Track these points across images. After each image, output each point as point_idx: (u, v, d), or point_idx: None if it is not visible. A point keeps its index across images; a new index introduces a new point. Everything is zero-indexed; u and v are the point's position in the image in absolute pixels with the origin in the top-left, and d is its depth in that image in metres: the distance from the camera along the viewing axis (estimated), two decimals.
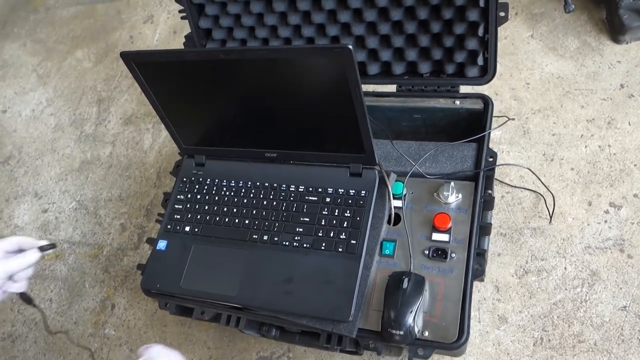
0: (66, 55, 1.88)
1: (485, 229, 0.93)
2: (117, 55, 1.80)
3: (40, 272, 1.44)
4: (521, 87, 1.29)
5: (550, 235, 1.11)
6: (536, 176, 1.14)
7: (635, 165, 1.14)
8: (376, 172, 0.96)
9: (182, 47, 1.20)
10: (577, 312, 1.03)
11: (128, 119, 1.63)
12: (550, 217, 1.11)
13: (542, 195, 1.14)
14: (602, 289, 1.04)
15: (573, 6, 1.22)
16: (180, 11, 1.13)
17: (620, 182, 1.13)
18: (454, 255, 0.89)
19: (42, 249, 0.87)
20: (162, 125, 1.57)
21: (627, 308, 1.01)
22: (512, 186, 1.17)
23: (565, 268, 1.08)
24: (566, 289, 1.06)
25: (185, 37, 1.17)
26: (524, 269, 1.10)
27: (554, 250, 1.10)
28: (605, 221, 1.10)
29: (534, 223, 1.13)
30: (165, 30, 1.78)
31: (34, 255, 0.85)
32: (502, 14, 0.93)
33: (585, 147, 1.18)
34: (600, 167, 1.15)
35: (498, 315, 1.07)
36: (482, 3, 0.93)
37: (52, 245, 0.89)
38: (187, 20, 1.13)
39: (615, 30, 1.27)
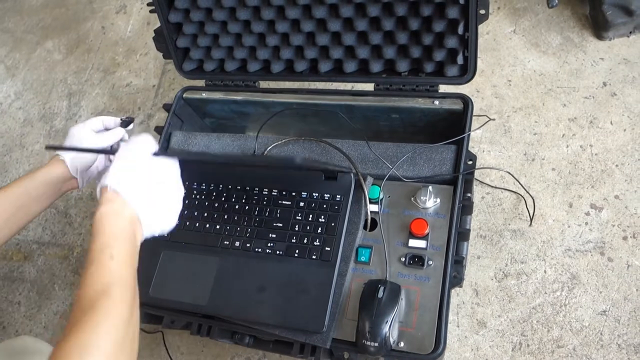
0: (35, 46, 1.81)
1: (463, 235, 0.90)
2: (88, 47, 1.73)
3: (8, 274, 1.39)
4: (503, 84, 1.26)
5: (530, 237, 1.09)
6: (516, 179, 1.11)
7: (616, 165, 1.12)
8: (352, 175, 0.92)
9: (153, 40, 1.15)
10: (556, 316, 1.02)
11: (99, 113, 1.57)
12: (531, 220, 1.09)
13: (522, 197, 1.12)
14: (582, 293, 1.03)
15: (556, 1, 1.19)
16: (148, 4, 1.08)
17: (602, 183, 1.11)
18: (431, 262, 0.87)
19: (123, 124, 0.98)
20: (135, 121, 1.52)
21: (606, 312, 1.00)
22: (492, 187, 1.15)
23: (545, 271, 1.06)
24: (546, 293, 1.04)
25: (155, 31, 1.12)
26: (503, 272, 1.07)
27: (533, 253, 1.08)
28: (586, 223, 1.08)
29: (514, 225, 1.11)
30: (138, 21, 1.71)
31: (120, 131, 0.96)
32: (482, 11, 0.89)
33: (567, 146, 1.16)
34: (582, 167, 1.13)
35: (477, 319, 1.05)
36: (462, 0, 0.89)
37: (130, 119, 1.00)
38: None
39: (599, 27, 1.24)
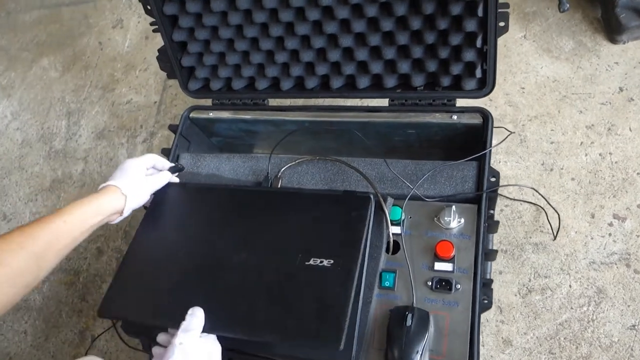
0: (31, 64, 1.76)
1: (490, 256, 0.88)
2: (85, 63, 1.69)
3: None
4: (516, 92, 1.23)
5: (553, 250, 1.06)
6: (541, 195, 1.07)
7: (638, 173, 1.09)
8: (371, 197, 0.88)
9: (156, 54, 1.10)
10: (584, 332, 0.99)
11: (100, 132, 1.53)
12: (555, 235, 1.06)
13: (544, 210, 1.09)
14: (610, 307, 1.00)
15: (568, 5, 1.17)
16: (151, 24, 1.04)
17: (624, 192, 1.08)
18: (458, 286, 0.83)
19: (172, 170, 0.98)
20: (138, 139, 1.48)
21: (636, 327, 0.97)
22: (511, 199, 1.12)
23: (570, 285, 1.03)
24: (572, 308, 1.01)
25: (159, 50, 1.08)
26: (527, 288, 1.05)
27: (557, 266, 1.05)
28: (610, 234, 1.05)
29: (535, 238, 1.08)
30: (136, 35, 1.67)
31: (167, 176, 0.95)
32: (502, 24, 0.86)
33: (586, 155, 1.13)
34: (602, 176, 1.10)
35: (502, 338, 1.02)
36: (480, 12, 0.86)
37: (180, 168, 1.01)
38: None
39: (612, 30, 1.21)
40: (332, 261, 0.80)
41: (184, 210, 0.96)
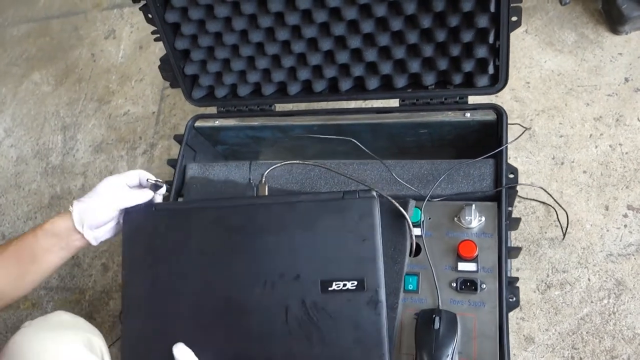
0: (22, 79, 1.72)
1: (513, 253, 0.87)
2: (78, 76, 1.66)
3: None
4: (521, 87, 1.23)
5: (569, 244, 1.05)
6: (549, 195, 1.05)
7: None
8: (374, 194, 0.77)
9: (151, 63, 1.08)
10: (606, 325, 0.98)
11: (98, 146, 1.50)
12: (564, 234, 1.05)
13: (553, 208, 1.08)
14: (630, 299, 0.99)
15: None
16: (153, 32, 1.02)
17: (636, 183, 1.08)
18: (484, 285, 0.82)
19: (153, 187, 0.88)
20: (138, 151, 1.45)
21: None
22: (523, 198, 1.11)
23: (588, 279, 1.02)
24: (592, 302, 1.00)
25: (161, 59, 1.06)
26: (545, 284, 1.04)
27: (574, 260, 1.04)
28: (625, 226, 1.05)
29: (550, 233, 1.07)
30: (129, 45, 1.64)
31: (148, 194, 0.86)
32: (514, 18, 0.85)
33: (596, 147, 1.13)
34: (614, 167, 1.10)
35: (524, 335, 1.01)
36: (492, 8, 0.85)
37: (158, 185, 0.89)
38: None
39: (614, 21, 1.21)
40: (355, 282, 0.75)
41: (170, 239, 0.83)
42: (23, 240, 0.81)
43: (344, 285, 0.75)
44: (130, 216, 0.85)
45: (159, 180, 0.89)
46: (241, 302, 0.78)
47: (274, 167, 0.93)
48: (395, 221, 0.86)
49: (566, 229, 1.05)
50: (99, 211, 0.82)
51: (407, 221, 0.85)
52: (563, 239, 1.06)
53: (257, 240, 0.79)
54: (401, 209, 0.86)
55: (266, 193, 0.90)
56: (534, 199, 1.10)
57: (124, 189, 0.85)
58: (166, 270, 0.82)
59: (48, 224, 0.82)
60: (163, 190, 0.90)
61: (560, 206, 1.05)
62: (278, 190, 0.97)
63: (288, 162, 0.96)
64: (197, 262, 0.81)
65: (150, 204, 0.86)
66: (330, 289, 0.75)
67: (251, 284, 0.78)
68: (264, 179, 0.90)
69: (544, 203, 1.09)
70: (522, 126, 1.00)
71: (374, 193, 0.78)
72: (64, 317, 0.82)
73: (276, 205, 0.81)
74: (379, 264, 0.75)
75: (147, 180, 0.88)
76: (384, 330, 0.75)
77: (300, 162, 0.97)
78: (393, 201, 0.85)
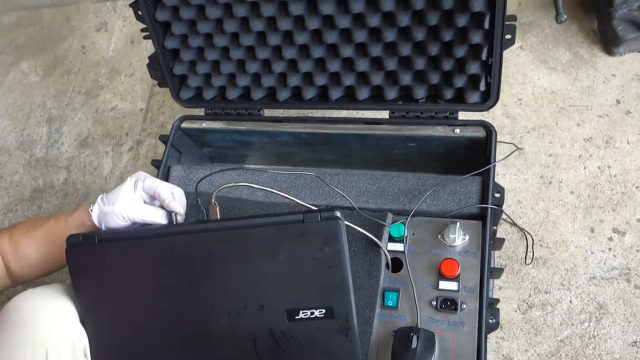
0: (9, 68, 1.69)
1: (494, 274, 0.86)
2: (67, 68, 1.63)
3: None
4: (513, 103, 1.22)
5: (553, 265, 1.05)
6: (508, 215, 1.08)
7: (637, 187, 1.08)
8: (337, 215, 0.70)
9: (143, 59, 1.06)
10: (585, 349, 0.97)
11: (84, 140, 1.48)
12: (531, 260, 1.05)
13: (525, 235, 1.08)
14: (611, 323, 0.99)
15: (565, 16, 1.16)
16: (142, 30, 1.00)
17: (623, 206, 1.07)
18: (464, 305, 0.81)
19: (170, 216, 0.82)
20: (123, 148, 1.43)
21: (637, 343, 0.96)
22: (503, 220, 1.10)
23: (570, 301, 1.02)
24: (573, 324, 1.00)
25: (149, 58, 1.04)
26: (527, 304, 1.03)
27: (557, 282, 1.03)
28: (610, 249, 1.04)
29: (534, 252, 1.06)
30: (121, 39, 1.62)
31: (162, 216, 0.82)
32: (508, 36, 0.84)
33: (584, 168, 1.12)
34: (601, 189, 1.09)
35: (503, 355, 1.00)
36: (487, 25, 0.84)
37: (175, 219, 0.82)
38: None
39: (609, 42, 1.21)
40: (323, 310, 0.72)
41: (122, 273, 0.77)
42: (56, 222, 0.85)
43: (312, 313, 0.72)
44: (73, 250, 0.76)
45: (177, 213, 0.82)
46: (209, 334, 0.75)
47: (222, 187, 0.80)
48: (372, 233, 0.84)
49: (532, 255, 1.05)
50: (112, 219, 0.80)
51: (384, 234, 0.85)
52: (530, 262, 1.05)
53: (213, 270, 0.74)
54: (377, 221, 0.84)
55: (218, 216, 0.80)
56: (510, 222, 1.09)
57: (137, 204, 0.81)
58: (124, 307, 0.77)
59: (77, 214, 0.85)
60: (180, 219, 0.82)
61: (522, 229, 1.06)
62: (237, 205, 0.92)
63: (241, 183, 0.90)
64: (156, 295, 0.76)
65: (92, 234, 0.77)
66: (297, 317, 0.73)
67: (216, 315, 0.74)
68: (213, 200, 0.80)
69: (515, 225, 1.09)
70: (515, 146, 0.99)
71: (338, 214, 0.71)
72: (62, 287, 0.82)
73: (230, 232, 0.73)
74: (348, 290, 0.72)
75: (170, 195, 0.82)
76: (358, 356, 0.74)
77: (258, 187, 0.85)
78: (368, 217, 0.84)
